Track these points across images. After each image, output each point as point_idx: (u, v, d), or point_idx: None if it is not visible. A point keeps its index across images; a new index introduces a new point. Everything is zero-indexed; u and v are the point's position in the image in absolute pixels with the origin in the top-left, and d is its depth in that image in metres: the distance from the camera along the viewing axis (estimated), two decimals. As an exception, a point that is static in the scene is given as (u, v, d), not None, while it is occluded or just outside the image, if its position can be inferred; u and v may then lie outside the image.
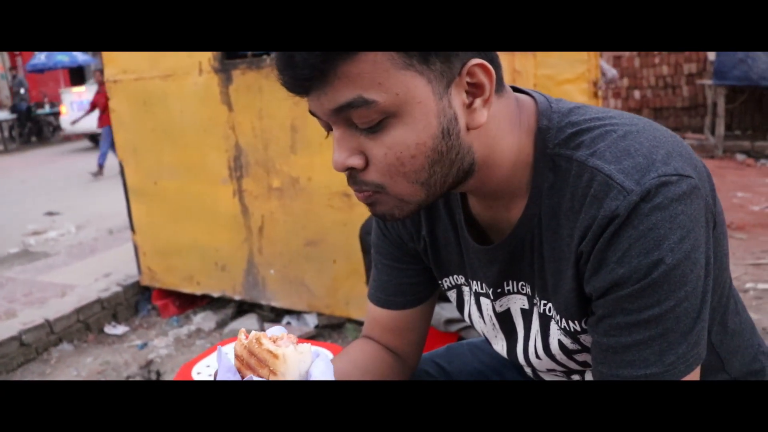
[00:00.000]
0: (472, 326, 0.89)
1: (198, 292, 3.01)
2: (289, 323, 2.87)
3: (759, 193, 4.45)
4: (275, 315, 2.96)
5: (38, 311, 3.01)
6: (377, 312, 0.90)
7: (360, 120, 0.61)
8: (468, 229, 0.77)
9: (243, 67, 2.53)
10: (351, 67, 0.58)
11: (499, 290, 0.78)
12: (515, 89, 0.73)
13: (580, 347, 0.72)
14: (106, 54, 2.97)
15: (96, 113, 7.37)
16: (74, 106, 9.87)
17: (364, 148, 0.63)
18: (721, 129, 5.86)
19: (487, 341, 0.88)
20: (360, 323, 2.62)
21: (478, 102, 0.63)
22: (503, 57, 0.67)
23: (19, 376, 2.70)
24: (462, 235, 0.79)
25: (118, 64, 2.88)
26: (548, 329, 0.74)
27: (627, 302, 0.61)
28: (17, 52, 14.23)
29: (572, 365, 0.76)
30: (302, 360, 0.64)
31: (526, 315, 0.77)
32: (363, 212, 2.24)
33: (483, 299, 0.82)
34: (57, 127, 12.29)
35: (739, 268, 3.00)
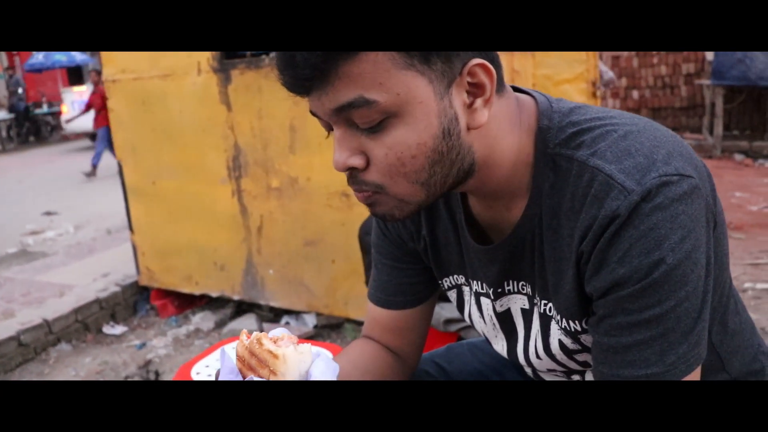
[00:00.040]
0: (472, 326, 0.89)
1: (197, 292, 3.01)
2: (287, 323, 2.87)
3: (757, 193, 4.46)
4: (274, 315, 2.96)
5: (36, 311, 3.01)
6: (377, 312, 0.90)
7: (361, 120, 0.61)
8: (468, 229, 0.77)
9: (242, 67, 2.53)
10: (352, 67, 0.58)
11: (499, 290, 0.78)
12: (516, 89, 0.73)
13: (580, 347, 0.72)
14: (104, 54, 2.97)
15: (92, 113, 7.35)
16: (75, 105, 9.87)
17: (365, 148, 0.63)
18: (719, 129, 5.86)
19: (487, 341, 0.88)
20: (359, 323, 2.62)
21: (478, 102, 0.63)
22: (502, 57, 0.66)
23: (17, 376, 2.70)
24: (462, 235, 0.79)
25: (116, 63, 2.88)
26: (549, 329, 0.74)
27: (628, 302, 0.61)
28: (15, 52, 14.21)
29: (573, 365, 0.76)
30: (302, 360, 0.64)
31: (527, 315, 0.77)
32: (362, 212, 2.24)
33: (483, 299, 0.82)
34: (56, 127, 12.29)
35: (737, 268, 3.00)
